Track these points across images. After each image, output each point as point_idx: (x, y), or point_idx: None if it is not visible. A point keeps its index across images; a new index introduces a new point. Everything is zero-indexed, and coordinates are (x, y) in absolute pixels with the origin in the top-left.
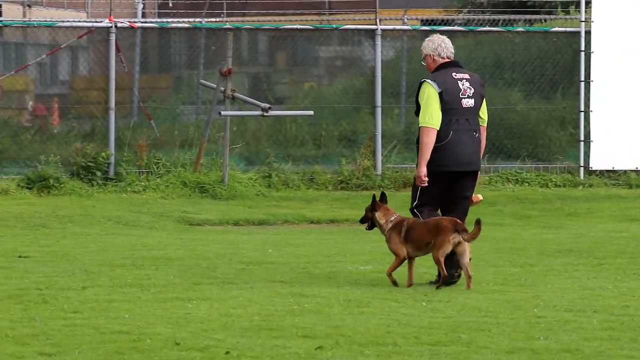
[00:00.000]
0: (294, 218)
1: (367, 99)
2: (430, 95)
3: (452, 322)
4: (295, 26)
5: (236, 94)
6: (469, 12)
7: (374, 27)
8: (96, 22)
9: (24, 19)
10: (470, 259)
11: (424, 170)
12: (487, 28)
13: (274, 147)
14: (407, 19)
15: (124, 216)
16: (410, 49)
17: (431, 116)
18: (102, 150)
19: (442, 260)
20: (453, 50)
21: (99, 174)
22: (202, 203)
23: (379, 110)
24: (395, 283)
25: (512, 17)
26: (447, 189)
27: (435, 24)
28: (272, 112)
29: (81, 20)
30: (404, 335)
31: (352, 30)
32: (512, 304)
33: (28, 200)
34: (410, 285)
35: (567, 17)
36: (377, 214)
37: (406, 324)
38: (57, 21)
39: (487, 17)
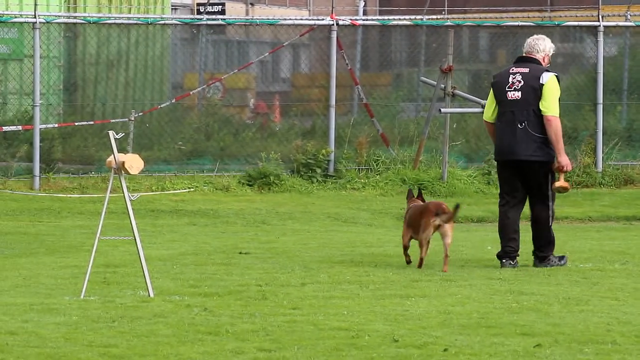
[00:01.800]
0: None
1: (589, 95)
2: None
3: None
4: (516, 23)
5: (456, 91)
6: None
7: (596, 23)
8: (318, 19)
9: (247, 17)
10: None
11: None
12: None
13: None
14: (631, 15)
15: (343, 213)
16: (633, 45)
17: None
18: (322, 148)
19: (424, 242)
20: (532, 46)
21: (318, 171)
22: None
23: (600, 107)
24: (408, 261)
25: None
26: (516, 179)
27: None
28: None
29: (303, 18)
30: (623, 333)
31: (574, 26)
32: None
33: (249, 197)
34: (410, 262)
35: None
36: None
37: (626, 322)
38: (279, 19)
39: None
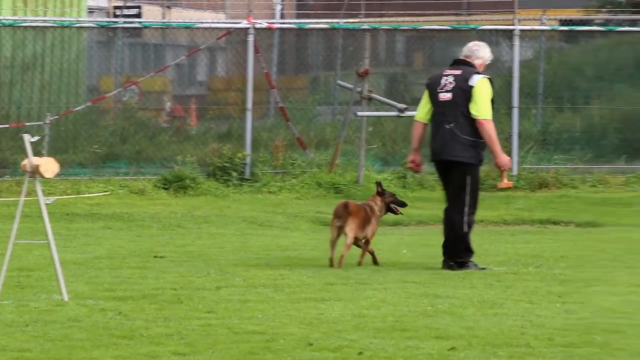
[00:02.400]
0: (428, 219)
1: (504, 99)
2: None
3: (586, 324)
4: (433, 27)
5: (373, 95)
6: (608, 12)
7: (512, 27)
8: (234, 23)
9: (163, 20)
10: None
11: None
12: (627, 28)
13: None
14: (546, 19)
15: (259, 216)
16: (548, 49)
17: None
18: (239, 151)
19: (330, 244)
20: (472, 52)
21: (234, 174)
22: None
23: (515, 111)
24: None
25: None
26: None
27: (574, 24)
28: (408, 113)
29: (220, 21)
30: (537, 336)
31: (490, 30)
32: None
33: (164, 201)
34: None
35: None
36: None
37: (540, 326)
38: (195, 22)
39: (626, 17)
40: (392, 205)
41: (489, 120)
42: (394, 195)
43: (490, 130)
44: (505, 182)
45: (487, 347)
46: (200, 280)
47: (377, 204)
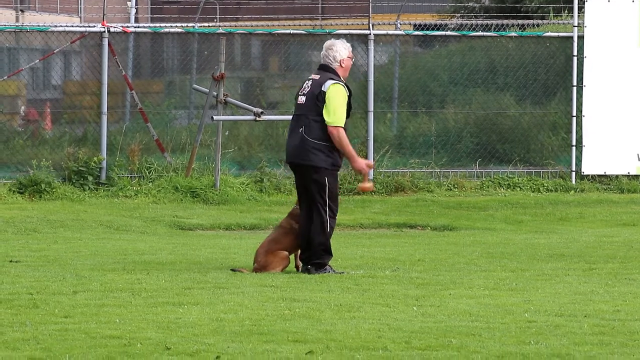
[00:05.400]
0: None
1: (359, 103)
2: None
3: (442, 327)
4: (288, 31)
5: (229, 99)
6: (461, 17)
7: (366, 32)
8: (89, 26)
9: (17, 24)
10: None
11: None
12: (480, 33)
13: (266, 152)
14: (400, 24)
15: (116, 221)
16: (403, 54)
17: None
18: (94, 155)
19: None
20: (325, 57)
21: (90, 178)
22: (193, 208)
23: (371, 115)
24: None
25: (505, 22)
26: (300, 183)
27: (428, 29)
28: (264, 117)
29: (74, 25)
30: (394, 339)
31: (345, 35)
32: (503, 309)
33: (20, 205)
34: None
35: (560, 22)
36: None
37: (397, 329)
38: (49, 26)
39: (479, 22)
40: None
41: (338, 127)
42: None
43: (339, 137)
44: (365, 185)
45: (345, 351)
46: (56, 285)
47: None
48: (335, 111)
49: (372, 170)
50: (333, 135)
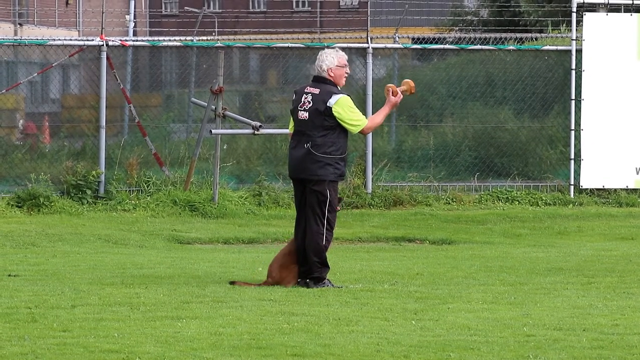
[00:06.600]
0: (284, 236)
1: None
2: None
3: (441, 341)
4: (286, 44)
5: (227, 113)
6: (460, 30)
7: (365, 45)
8: (87, 40)
9: (15, 37)
10: None
11: None
12: (478, 46)
13: (265, 166)
14: (399, 38)
15: (114, 235)
16: (401, 67)
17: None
18: (93, 169)
19: None
20: (317, 67)
21: (89, 192)
22: (192, 221)
23: None
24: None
25: (503, 35)
26: (302, 197)
27: (426, 42)
28: (263, 131)
29: (72, 38)
30: (393, 354)
31: (344, 48)
32: (502, 323)
33: (18, 219)
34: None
35: (558, 35)
36: None
37: (396, 343)
38: (48, 39)
39: (478, 35)
40: None
41: (366, 124)
42: None
43: (372, 128)
44: (401, 88)
45: None
46: (55, 299)
47: None
48: (353, 119)
49: (395, 93)
50: (369, 131)
